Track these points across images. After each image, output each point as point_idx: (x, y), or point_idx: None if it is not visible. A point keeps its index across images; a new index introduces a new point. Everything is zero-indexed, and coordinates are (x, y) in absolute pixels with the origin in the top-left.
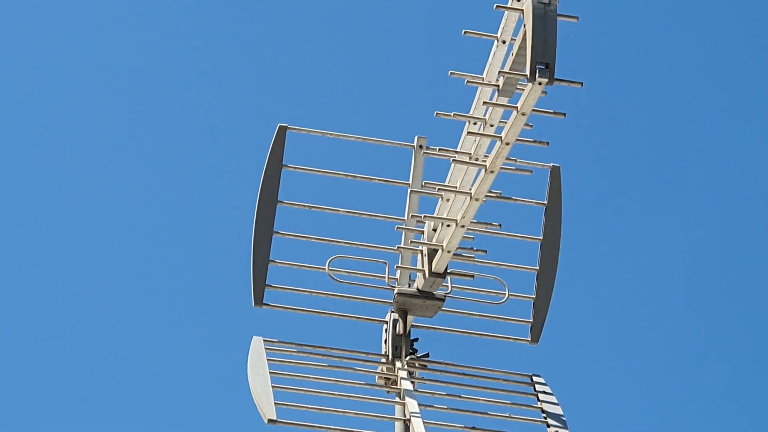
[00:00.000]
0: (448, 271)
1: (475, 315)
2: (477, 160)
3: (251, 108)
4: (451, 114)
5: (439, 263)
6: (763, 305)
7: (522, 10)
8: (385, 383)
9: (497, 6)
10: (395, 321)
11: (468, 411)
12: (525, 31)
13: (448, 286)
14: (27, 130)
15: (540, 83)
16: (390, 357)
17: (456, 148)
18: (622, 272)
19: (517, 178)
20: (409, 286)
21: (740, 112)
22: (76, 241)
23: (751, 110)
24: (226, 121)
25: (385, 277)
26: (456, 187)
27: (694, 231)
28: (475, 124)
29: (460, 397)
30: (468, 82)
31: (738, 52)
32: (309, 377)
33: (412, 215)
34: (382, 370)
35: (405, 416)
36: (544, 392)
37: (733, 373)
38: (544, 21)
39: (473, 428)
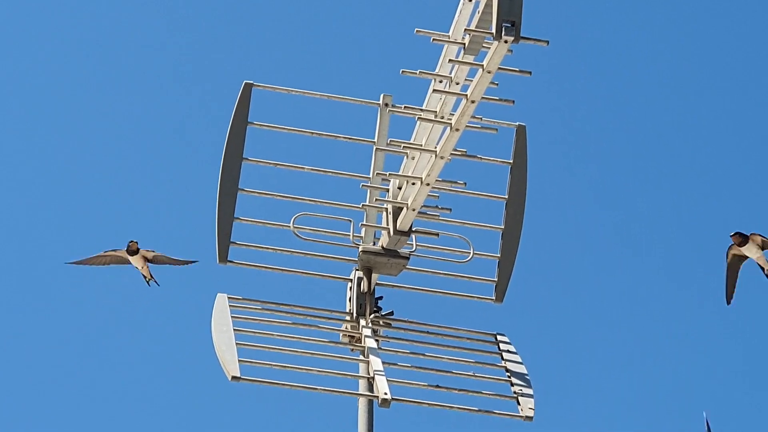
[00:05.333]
0: (413, 229)
1: (440, 273)
2: (442, 118)
3: (217, 65)
4: (417, 72)
5: (403, 221)
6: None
7: None
8: (349, 341)
9: None
10: (360, 279)
11: (432, 369)
12: None
13: (412, 244)
14: None
15: (506, 41)
16: (354, 315)
17: (422, 106)
18: (586, 231)
19: (482, 137)
20: (374, 244)
21: (704, 70)
22: (44, 193)
23: (715, 69)
24: (192, 78)
25: (350, 235)
26: (421, 145)
27: (657, 188)
28: (440, 82)
29: (424, 355)
30: (434, 40)
31: (704, 12)
32: (273, 335)
33: (377, 173)
34: (346, 328)
35: (369, 374)
36: (509, 351)
37: (698, 328)
38: None
39: (437, 386)
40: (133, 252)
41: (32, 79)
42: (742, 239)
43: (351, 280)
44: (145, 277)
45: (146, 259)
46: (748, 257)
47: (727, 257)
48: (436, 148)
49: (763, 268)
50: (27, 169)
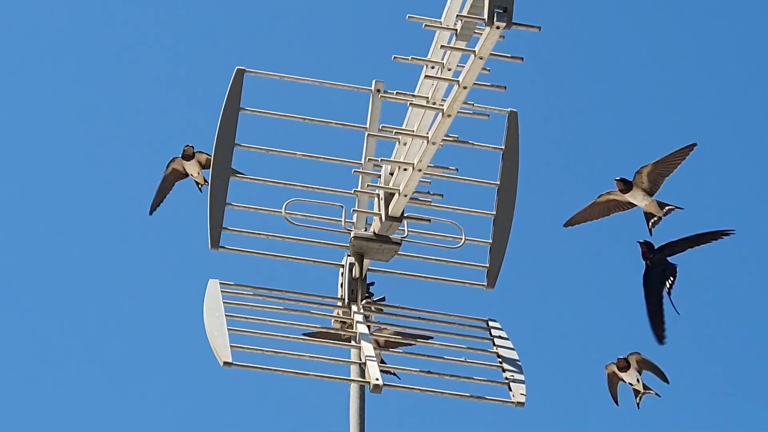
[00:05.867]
0: (405, 215)
1: (432, 259)
2: (434, 104)
3: (209, 51)
4: (409, 58)
5: (395, 207)
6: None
7: None
8: (341, 327)
9: None
10: (351, 264)
11: (423, 355)
12: None
13: (404, 230)
14: None
15: (498, 27)
16: (346, 301)
17: (413, 92)
18: None
19: (474, 123)
20: (366, 230)
21: (697, 56)
22: (34, 185)
23: (707, 55)
24: (185, 64)
25: (341, 221)
26: (413, 131)
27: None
28: (432, 68)
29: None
30: (426, 25)
31: None
32: (265, 320)
33: (369, 159)
34: (337, 313)
35: (360, 360)
36: (500, 337)
37: (687, 313)
38: None
39: (428, 372)
40: (189, 157)
41: (21, 66)
42: (626, 186)
43: (343, 266)
44: (198, 183)
45: (201, 164)
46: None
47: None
48: (427, 134)
49: (650, 218)
50: (14, 154)
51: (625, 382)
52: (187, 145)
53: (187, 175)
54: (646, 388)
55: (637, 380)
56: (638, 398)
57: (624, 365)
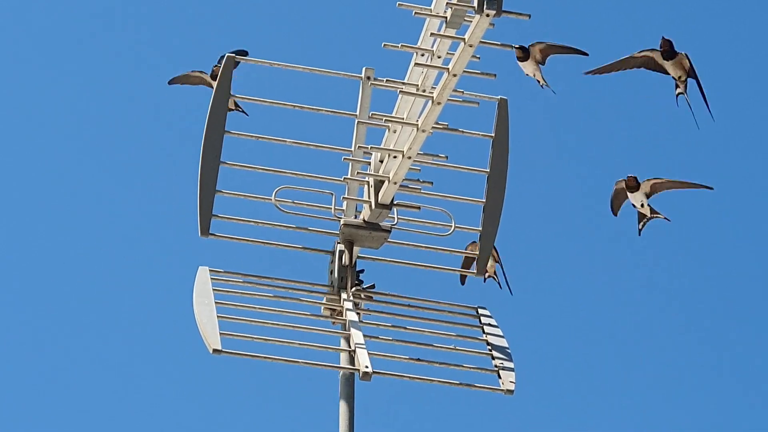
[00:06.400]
0: (395, 202)
1: (421, 247)
2: (424, 91)
3: (200, 37)
4: (399, 45)
5: (385, 194)
6: (708, 235)
7: None
8: (331, 314)
9: None
10: (341, 252)
11: (413, 343)
12: None
13: (394, 217)
14: None
15: (488, 15)
16: (336, 288)
17: (403, 79)
18: (568, 205)
19: (464, 110)
20: (356, 218)
21: (689, 41)
22: (24, 176)
23: (699, 42)
24: (176, 51)
25: (331, 208)
26: (403, 119)
27: (639, 160)
28: (422, 55)
29: (405, 328)
30: (416, 13)
31: None
32: (254, 308)
33: (359, 146)
34: (327, 301)
35: (350, 347)
36: (490, 324)
37: (679, 299)
38: None
39: (418, 360)
40: (216, 77)
41: (6, 60)
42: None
43: (332, 253)
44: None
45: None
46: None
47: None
48: (417, 121)
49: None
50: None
51: (631, 202)
52: (216, 66)
53: (211, 86)
54: (654, 213)
55: (643, 204)
56: (641, 224)
57: (634, 185)
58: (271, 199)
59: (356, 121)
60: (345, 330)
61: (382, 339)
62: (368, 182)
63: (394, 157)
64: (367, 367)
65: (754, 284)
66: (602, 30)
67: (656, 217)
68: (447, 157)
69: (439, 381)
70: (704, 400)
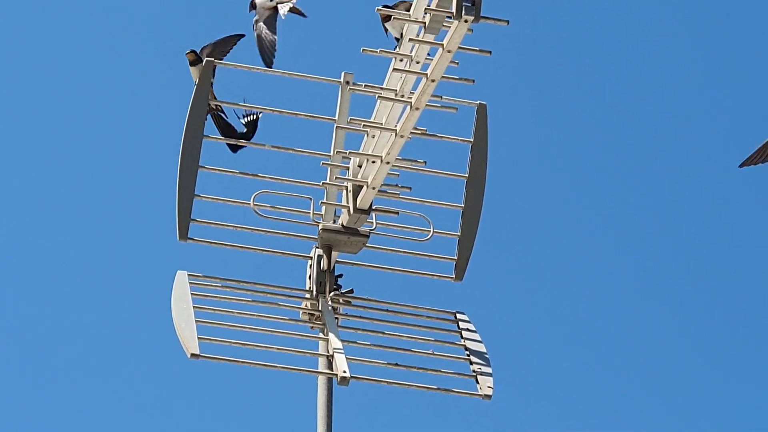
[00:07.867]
0: (373, 207)
1: (400, 252)
2: (403, 96)
3: (178, 41)
4: (378, 50)
5: (363, 199)
6: (682, 229)
7: None
8: (309, 319)
9: None
10: (320, 257)
11: (391, 347)
12: None
13: (372, 222)
14: None
15: (466, 20)
16: (314, 293)
17: (382, 84)
18: (546, 210)
19: (442, 116)
20: (334, 222)
21: (670, 48)
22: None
23: (680, 46)
24: (153, 55)
25: (310, 213)
26: (382, 124)
27: (619, 166)
28: (401, 60)
29: (383, 333)
30: (395, 18)
31: None
32: (233, 312)
33: (337, 151)
34: (306, 305)
35: (328, 352)
36: (468, 329)
37: (661, 303)
38: None
39: (396, 365)
40: (196, 62)
41: None
42: None
43: (311, 258)
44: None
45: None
46: None
47: None
48: (396, 126)
49: None
50: None
51: None
52: (188, 52)
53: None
54: None
55: None
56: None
57: None
58: (249, 204)
59: (335, 125)
60: (323, 335)
61: (360, 344)
62: (347, 187)
63: (373, 162)
64: (345, 371)
65: (735, 281)
66: (581, 33)
67: None
68: (425, 162)
69: (417, 386)
70: (686, 403)
